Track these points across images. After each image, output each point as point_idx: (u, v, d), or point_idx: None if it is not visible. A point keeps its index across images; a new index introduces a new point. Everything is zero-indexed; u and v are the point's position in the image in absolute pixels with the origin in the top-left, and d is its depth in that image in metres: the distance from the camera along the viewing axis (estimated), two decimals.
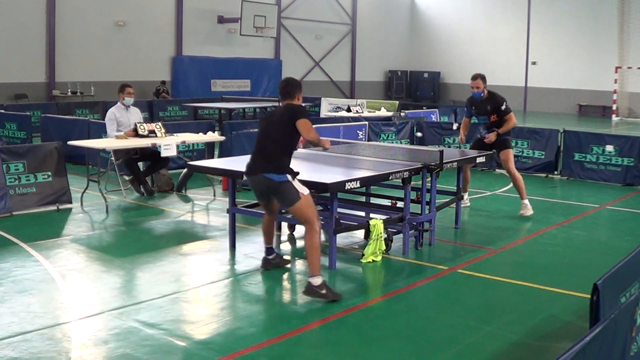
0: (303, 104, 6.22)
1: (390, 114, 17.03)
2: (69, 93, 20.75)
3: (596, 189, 11.31)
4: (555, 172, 12.41)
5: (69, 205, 9.01)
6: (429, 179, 7.27)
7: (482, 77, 9.02)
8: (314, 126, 6.02)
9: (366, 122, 13.55)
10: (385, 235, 6.92)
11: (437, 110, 18.51)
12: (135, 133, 9.45)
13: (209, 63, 25.08)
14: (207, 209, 9.40)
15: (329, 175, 6.71)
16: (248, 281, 6.22)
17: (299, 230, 7.93)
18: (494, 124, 8.99)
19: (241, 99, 22.28)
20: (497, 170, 12.43)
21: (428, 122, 14.68)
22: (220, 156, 10.67)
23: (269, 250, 6.46)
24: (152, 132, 9.52)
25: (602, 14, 28.91)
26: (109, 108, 10.17)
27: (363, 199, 8.40)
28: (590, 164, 12.03)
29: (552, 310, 5.57)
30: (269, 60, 27.78)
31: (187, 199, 9.87)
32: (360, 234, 7.42)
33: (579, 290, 5.91)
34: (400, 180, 6.98)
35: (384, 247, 6.86)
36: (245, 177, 6.10)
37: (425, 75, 33.65)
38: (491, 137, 8.92)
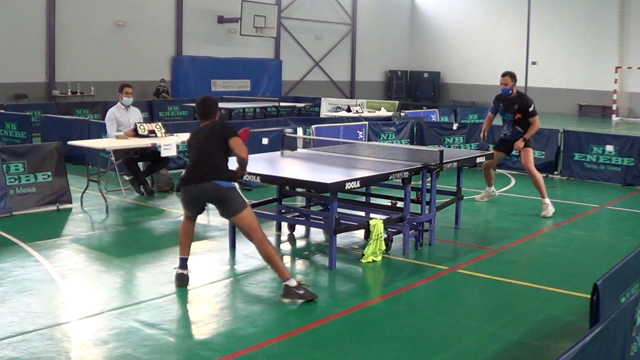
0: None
1: (390, 114, 17.03)
2: (69, 93, 20.75)
3: (596, 189, 11.31)
4: (555, 172, 12.41)
5: (69, 205, 9.01)
6: (429, 179, 7.27)
7: (512, 75, 9.25)
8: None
9: (366, 122, 13.55)
10: (385, 235, 6.92)
11: (437, 110, 18.50)
12: (135, 133, 9.46)
13: (209, 63, 25.07)
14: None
15: (329, 175, 6.72)
16: (248, 281, 6.22)
17: (299, 230, 7.94)
18: (517, 122, 9.17)
19: (241, 99, 22.29)
20: (496, 170, 12.42)
21: (428, 122, 14.68)
22: None
23: (183, 263, 5.99)
24: (152, 132, 9.52)
25: (602, 14, 28.90)
26: (109, 108, 10.17)
27: (363, 199, 8.40)
28: (590, 164, 12.03)
29: (552, 310, 5.57)
30: (269, 60, 27.77)
31: None
32: (360, 234, 7.42)
33: (579, 290, 5.91)
34: (400, 180, 6.98)
35: (384, 247, 6.86)
36: (182, 188, 5.84)
37: (425, 75, 33.65)
38: (519, 144, 9.17)
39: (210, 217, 8.94)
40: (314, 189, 7.18)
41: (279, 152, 8.26)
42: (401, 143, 13.40)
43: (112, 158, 9.48)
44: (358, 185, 6.45)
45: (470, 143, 13.46)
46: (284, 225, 7.90)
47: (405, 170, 6.92)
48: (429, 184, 7.34)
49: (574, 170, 12.13)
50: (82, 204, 9.13)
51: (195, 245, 7.35)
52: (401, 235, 7.18)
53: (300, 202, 8.96)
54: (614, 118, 27.84)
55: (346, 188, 6.35)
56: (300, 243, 7.61)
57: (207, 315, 5.37)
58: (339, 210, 7.03)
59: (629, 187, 11.46)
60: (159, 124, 9.86)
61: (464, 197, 8.48)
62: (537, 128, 9.18)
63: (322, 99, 21.20)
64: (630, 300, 3.55)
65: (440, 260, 6.97)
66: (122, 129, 9.67)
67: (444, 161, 7.14)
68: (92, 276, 6.26)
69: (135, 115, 10.02)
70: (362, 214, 8.01)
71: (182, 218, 8.82)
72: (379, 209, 7.79)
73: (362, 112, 17.30)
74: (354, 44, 31.86)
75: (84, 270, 6.46)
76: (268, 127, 12.15)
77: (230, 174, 5.72)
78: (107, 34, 21.97)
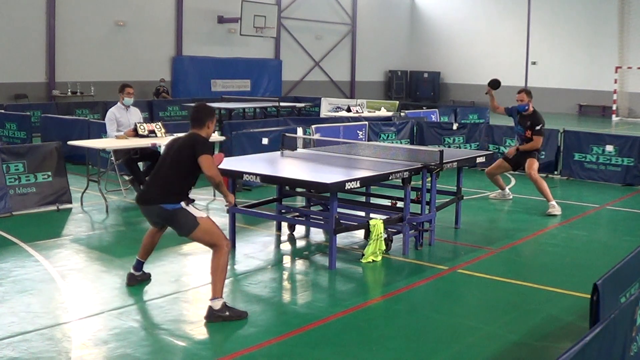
0: (216, 133, 5.75)
1: (390, 114, 17.03)
2: (69, 93, 20.75)
3: (596, 189, 11.31)
4: (556, 172, 12.41)
5: (69, 205, 9.01)
6: (429, 179, 7.27)
7: (527, 92, 9.53)
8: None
9: (366, 122, 13.55)
10: (385, 235, 6.92)
11: (437, 110, 18.51)
12: (135, 133, 9.45)
13: (209, 63, 25.07)
14: (207, 209, 9.39)
15: (329, 175, 6.72)
16: (248, 281, 6.22)
17: (299, 230, 7.94)
18: (527, 140, 9.44)
19: (241, 99, 22.29)
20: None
21: (428, 122, 14.68)
22: None
23: (139, 265, 5.99)
24: (152, 132, 9.52)
25: (602, 14, 28.90)
26: (109, 108, 10.16)
27: (363, 199, 8.40)
28: (590, 164, 12.03)
29: (552, 310, 5.57)
30: (269, 60, 27.77)
31: None
32: (360, 234, 7.42)
33: (579, 290, 5.91)
34: (400, 180, 6.98)
35: (384, 247, 6.86)
36: (138, 205, 5.70)
37: (425, 75, 33.65)
38: (511, 151, 9.66)
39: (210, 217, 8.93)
40: (314, 189, 7.19)
41: (279, 152, 8.26)
42: (401, 143, 13.40)
43: (112, 158, 9.48)
44: (358, 185, 6.45)
45: (470, 143, 13.46)
46: (284, 225, 7.90)
47: (405, 170, 6.92)
48: (429, 184, 7.34)
49: (574, 170, 12.13)
50: (82, 204, 9.13)
51: (195, 245, 7.35)
52: (401, 235, 7.18)
53: (300, 202, 8.96)
54: (614, 118, 27.83)
55: (346, 188, 6.36)
56: (300, 243, 7.61)
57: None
58: (339, 210, 7.03)
59: (629, 187, 11.46)
60: (159, 124, 9.86)
61: (464, 197, 8.48)
62: (535, 146, 9.38)
63: (322, 99, 21.20)
64: (630, 300, 3.55)
65: (440, 260, 6.97)
66: (122, 129, 9.66)
67: (444, 161, 7.14)
68: (92, 276, 6.26)
69: (135, 115, 10.01)
70: (362, 214, 8.01)
71: None
72: (379, 209, 7.79)
73: (362, 112, 17.30)
74: (354, 44, 31.86)
75: (84, 270, 6.46)
76: (268, 127, 12.15)
77: (178, 194, 5.43)
78: (107, 34, 21.97)
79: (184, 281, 6.20)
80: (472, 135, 13.50)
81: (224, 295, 5.30)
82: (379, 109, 18.47)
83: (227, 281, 6.23)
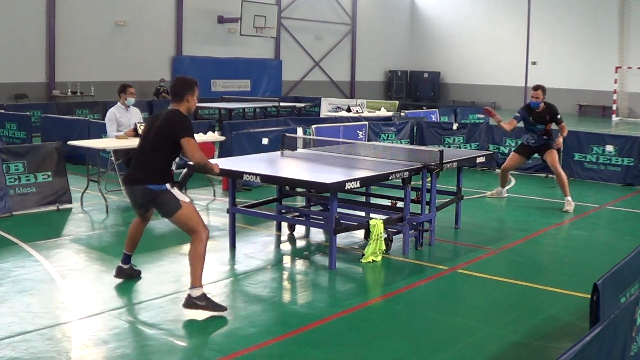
0: (199, 105, 5.75)
1: (390, 114, 17.04)
2: (69, 93, 20.76)
3: (596, 189, 11.31)
4: None
5: (69, 205, 9.01)
6: (429, 179, 7.27)
7: (543, 89, 9.57)
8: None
9: (366, 122, 13.55)
10: (385, 235, 6.92)
11: (437, 110, 18.51)
12: (135, 133, 9.44)
13: (209, 63, 25.08)
14: (207, 209, 9.40)
15: (329, 175, 6.71)
16: (248, 281, 6.22)
17: (299, 230, 7.94)
18: (546, 133, 9.64)
19: (241, 99, 22.31)
20: (496, 170, 12.42)
21: (428, 122, 14.68)
22: (220, 156, 10.67)
23: (126, 258, 6.03)
24: None
25: (602, 14, 28.90)
26: (109, 108, 10.16)
27: (363, 199, 8.40)
28: (590, 164, 12.03)
29: (552, 310, 5.57)
30: (269, 60, 27.77)
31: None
32: (360, 234, 7.42)
33: (579, 290, 5.91)
34: (400, 180, 6.98)
35: (384, 247, 6.86)
36: (122, 185, 5.76)
37: (425, 75, 33.65)
38: (559, 142, 9.81)
39: (210, 217, 8.94)
40: (314, 189, 7.18)
41: (279, 152, 8.26)
42: (401, 143, 13.40)
43: (112, 158, 9.48)
44: (358, 185, 6.45)
45: (470, 143, 13.46)
46: (284, 225, 7.89)
47: (405, 170, 6.92)
48: (429, 184, 7.34)
49: (574, 170, 12.13)
50: (82, 204, 9.13)
51: None
52: (401, 235, 7.18)
53: (300, 202, 8.96)
54: (614, 118, 27.83)
55: (346, 188, 6.35)
56: (300, 243, 7.61)
57: (207, 315, 5.36)
58: (339, 210, 7.03)
59: (629, 187, 11.46)
60: None
61: (464, 197, 8.48)
62: (565, 130, 9.75)
63: (322, 99, 21.20)
64: (630, 300, 3.54)
65: (440, 260, 6.97)
66: (122, 129, 9.66)
67: (444, 161, 7.14)
68: (92, 276, 6.26)
69: (135, 115, 10.01)
70: (362, 214, 8.01)
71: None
72: (379, 209, 7.79)
73: (362, 112, 17.30)
74: (354, 44, 31.86)
75: (84, 270, 6.46)
76: (268, 127, 12.15)
77: (163, 176, 5.46)
78: (107, 34, 21.98)
79: (184, 281, 6.19)
80: (472, 135, 13.49)
81: (223, 295, 5.32)
82: (379, 109, 18.47)
83: (227, 281, 6.25)
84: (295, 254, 7.26)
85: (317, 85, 29.37)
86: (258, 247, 7.35)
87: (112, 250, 7.28)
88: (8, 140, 13.73)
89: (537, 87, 9.49)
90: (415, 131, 13.85)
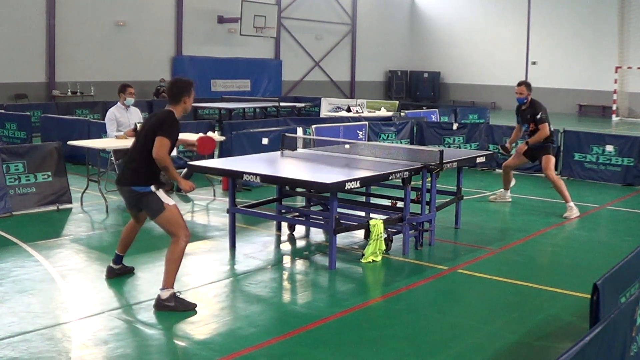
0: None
1: (390, 114, 17.03)
2: (69, 93, 20.75)
3: (596, 189, 11.31)
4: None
5: (69, 205, 9.01)
6: (429, 179, 7.27)
7: (527, 85, 9.26)
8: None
9: (366, 122, 13.55)
10: (385, 235, 6.92)
11: (437, 110, 18.51)
12: (135, 133, 9.43)
13: (209, 63, 25.08)
14: (207, 209, 9.40)
15: (329, 175, 6.72)
16: (248, 281, 6.22)
17: (299, 230, 7.94)
18: (533, 133, 9.17)
19: (241, 99, 22.30)
20: (496, 170, 12.43)
21: (428, 122, 14.68)
22: (220, 156, 10.67)
23: (118, 259, 6.09)
24: None
25: (602, 14, 28.90)
26: (109, 108, 10.16)
27: (363, 199, 8.40)
28: (590, 164, 12.03)
29: (552, 310, 5.57)
30: (269, 60, 27.77)
31: (187, 199, 9.86)
32: (360, 234, 7.41)
33: (579, 290, 5.91)
34: (400, 180, 6.98)
35: (384, 247, 6.86)
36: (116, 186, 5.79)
37: (425, 75, 33.65)
38: (521, 147, 9.28)
39: (210, 217, 8.95)
40: (314, 189, 7.18)
41: (279, 152, 8.26)
42: (401, 143, 13.40)
43: (112, 158, 9.48)
44: (358, 185, 6.45)
45: (470, 143, 13.46)
46: (284, 225, 7.89)
47: (405, 170, 6.92)
48: (429, 184, 7.33)
49: (574, 170, 12.13)
50: (82, 204, 9.13)
51: (195, 245, 7.37)
52: (401, 235, 7.18)
53: (300, 202, 8.96)
54: (614, 118, 27.84)
55: (346, 188, 6.35)
56: (300, 243, 7.61)
57: (207, 315, 5.36)
58: (339, 210, 7.03)
59: (629, 187, 11.45)
60: None
61: (464, 197, 8.48)
62: (543, 135, 9.02)
63: (322, 99, 21.19)
64: (630, 300, 3.55)
65: (440, 260, 6.97)
66: (122, 129, 9.66)
67: (444, 161, 7.14)
68: (92, 276, 6.26)
69: (135, 115, 10.01)
70: (362, 214, 8.01)
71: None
72: (379, 209, 7.79)
73: (362, 112, 17.30)
74: (354, 44, 31.86)
75: (84, 270, 6.46)
76: (268, 127, 12.15)
77: (149, 177, 5.47)
78: (107, 34, 21.98)
79: (184, 281, 6.19)
80: (472, 135, 13.50)
81: (223, 295, 5.32)
82: (379, 109, 18.47)
83: (227, 281, 6.25)
84: (295, 254, 7.26)
85: (317, 85, 29.37)
86: (258, 247, 7.35)
87: (112, 250, 7.24)
88: (8, 140, 13.73)
89: (520, 83, 9.24)
90: (415, 131, 13.85)
